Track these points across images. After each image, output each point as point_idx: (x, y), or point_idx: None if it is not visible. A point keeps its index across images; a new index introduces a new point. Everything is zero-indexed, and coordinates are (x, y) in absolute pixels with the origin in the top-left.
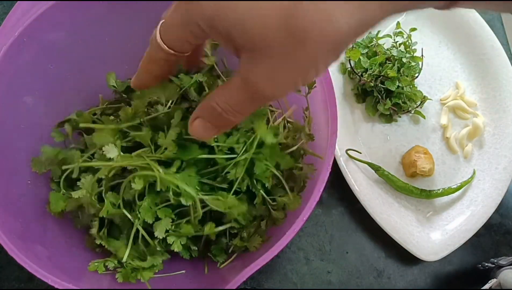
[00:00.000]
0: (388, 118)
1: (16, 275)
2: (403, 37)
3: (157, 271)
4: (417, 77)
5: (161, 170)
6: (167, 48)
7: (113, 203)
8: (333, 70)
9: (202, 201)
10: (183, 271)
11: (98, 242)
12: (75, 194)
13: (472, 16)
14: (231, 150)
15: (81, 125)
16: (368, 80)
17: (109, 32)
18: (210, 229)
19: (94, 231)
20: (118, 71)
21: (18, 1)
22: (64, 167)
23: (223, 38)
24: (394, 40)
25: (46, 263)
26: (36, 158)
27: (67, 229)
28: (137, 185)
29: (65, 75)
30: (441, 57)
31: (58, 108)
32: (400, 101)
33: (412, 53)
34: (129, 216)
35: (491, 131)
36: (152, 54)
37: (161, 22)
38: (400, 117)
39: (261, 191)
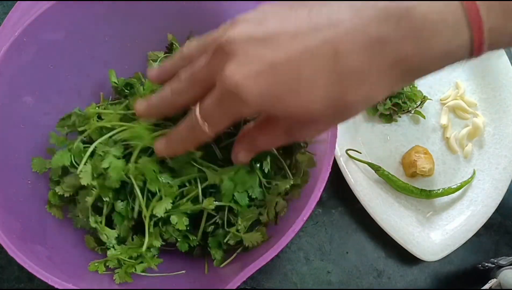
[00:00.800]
0: (388, 118)
1: (16, 275)
2: None
3: (155, 264)
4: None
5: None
6: (211, 134)
7: (116, 157)
8: None
9: (201, 177)
10: (183, 271)
11: (93, 225)
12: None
13: None
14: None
15: (91, 110)
16: None
17: (109, 32)
18: (209, 202)
19: (89, 200)
20: (118, 71)
21: (18, 1)
22: (81, 128)
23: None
24: None
25: (46, 263)
26: (36, 158)
27: (67, 229)
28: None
29: (65, 75)
30: None
31: (58, 107)
32: (400, 101)
33: None
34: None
35: (491, 131)
36: (195, 138)
37: (198, 109)
38: (400, 117)
39: (258, 172)
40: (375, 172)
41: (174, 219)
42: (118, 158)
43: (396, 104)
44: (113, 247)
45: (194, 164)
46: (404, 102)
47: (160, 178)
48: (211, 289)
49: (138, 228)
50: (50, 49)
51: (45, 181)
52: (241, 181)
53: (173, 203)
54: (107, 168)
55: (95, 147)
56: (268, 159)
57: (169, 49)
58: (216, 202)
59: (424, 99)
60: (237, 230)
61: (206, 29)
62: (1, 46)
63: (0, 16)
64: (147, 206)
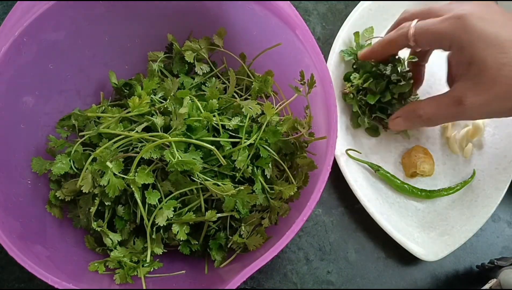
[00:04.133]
0: (374, 131)
1: (16, 275)
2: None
3: (156, 267)
4: (408, 95)
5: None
6: (413, 43)
7: (114, 174)
8: (333, 70)
9: (203, 188)
10: (183, 271)
11: (95, 227)
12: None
13: None
14: (236, 135)
15: (90, 114)
16: (350, 90)
17: (109, 32)
18: (211, 214)
19: (93, 210)
20: (118, 71)
21: (18, 1)
22: (81, 134)
23: (464, 62)
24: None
25: (46, 263)
26: (36, 158)
27: (67, 229)
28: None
29: (65, 75)
30: (441, 57)
31: (58, 108)
32: (384, 116)
33: (406, 77)
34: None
35: (491, 131)
36: (398, 41)
37: (415, 22)
38: (386, 131)
39: (261, 178)
40: (375, 172)
41: (175, 228)
42: (116, 175)
43: (381, 119)
44: (115, 248)
45: (195, 179)
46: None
47: (161, 187)
48: (211, 289)
49: (139, 230)
50: (50, 49)
51: (45, 181)
52: (242, 200)
53: (174, 210)
54: (105, 185)
55: (96, 151)
56: (270, 165)
57: (169, 49)
58: (219, 214)
59: None
60: (240, 235)
61: (206, 29)
62: (1, 46)
63: (0, 16)
64: (149, 213)
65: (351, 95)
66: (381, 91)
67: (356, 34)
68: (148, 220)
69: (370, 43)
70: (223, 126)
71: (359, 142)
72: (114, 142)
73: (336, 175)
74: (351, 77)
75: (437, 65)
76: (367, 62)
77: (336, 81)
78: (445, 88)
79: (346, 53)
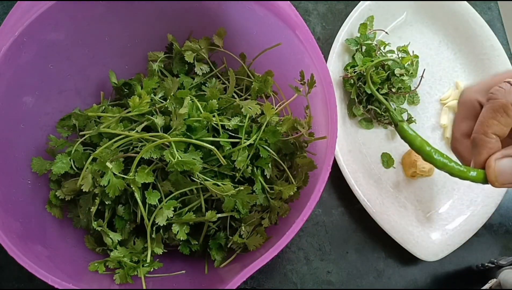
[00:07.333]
0: (367, 124)
1: (16, 275)
2: (407, 53)
3: (156, 267)
4: (405, 97)
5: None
6: None
7: (114, 174)
8: (333, 70)
9: (203, 188)
10: (183, 271)
11: (95, 226)
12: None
13: (472, 16)
14: (235, 135)
15: (90, 114)
16: (352, 75)
17: (109, 32)
18: (211, 215)
19: (93, 209)
20: (118, 71)
21: (18, 1)
22: (82, 133)
23: None
24: (398, 55)
25: (46, 263)
26: (36, 158)
27: (67, 229)
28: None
29: (65, 75)
30: (441, 57)
31: (58, 108)
32: (379, 110)
33: (409, 71)
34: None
35: None
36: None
37: None
38: (380, 125)
39: (260, 178)
40: (395, 127)
41: (175, 228)
42: (116, 175)
43: (377, 114)
44: (116, 248)
45: (195, 179)
46: (387, 114)
47: (161, 187)
48: (211, 289)
49: (139, 230)
50: (50, 49)
51: (45, 181)
52: (242, 200)
53: (174, 210)
54: (106, 185)
55: (96, 152)
56: (270, 165)
57: (169, 49)
58: (219, 214)
59: (410, 120)
60: (240, 235)
61: (206, 29)
62: (1, 46)
63: (0, 16)
64: (149, 213)
65: (352, 81)
66: (381, 82)
67: (363, 25)
68: (148, 220)
69: (375, 34)
70: (223, 126)
71: (359, 142)
72: (114, 142)
73: (336, 175)
74: (354, 56)
75: (437, 64)
76: (372, 52)
77: (336, 81)
78: (445, 88)
79: (352, 42)
